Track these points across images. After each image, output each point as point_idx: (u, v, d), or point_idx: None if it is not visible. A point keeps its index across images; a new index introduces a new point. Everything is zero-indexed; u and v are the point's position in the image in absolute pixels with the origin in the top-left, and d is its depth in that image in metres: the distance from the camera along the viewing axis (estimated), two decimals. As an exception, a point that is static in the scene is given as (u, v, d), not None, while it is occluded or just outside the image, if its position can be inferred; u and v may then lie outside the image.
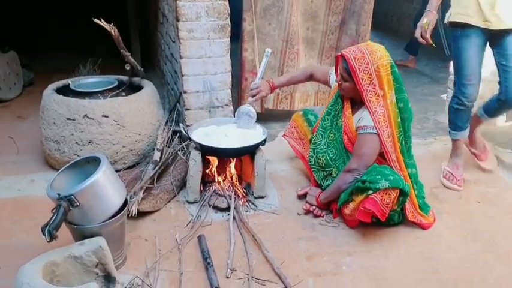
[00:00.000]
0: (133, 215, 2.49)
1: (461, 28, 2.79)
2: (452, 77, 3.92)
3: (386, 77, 2.44)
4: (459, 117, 2.97)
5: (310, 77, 3.00)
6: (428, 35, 2.82)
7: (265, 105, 3.85)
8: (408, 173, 2.54)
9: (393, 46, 6.01)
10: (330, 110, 2.73)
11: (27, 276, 1.82)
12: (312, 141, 2.81)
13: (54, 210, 1.95)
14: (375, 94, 2.44)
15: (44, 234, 1.85)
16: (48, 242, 1.86)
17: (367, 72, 2.43)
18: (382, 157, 2.52)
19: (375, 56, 2.43)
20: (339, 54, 2.54)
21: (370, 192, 2.31)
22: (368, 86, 2.44)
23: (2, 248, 2.42)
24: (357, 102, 2.61)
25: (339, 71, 2.57)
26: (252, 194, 2.87)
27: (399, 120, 2.48)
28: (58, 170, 2.91)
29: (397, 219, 2.55)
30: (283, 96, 3.89)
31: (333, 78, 2.80)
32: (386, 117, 2.44)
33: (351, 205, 2.45)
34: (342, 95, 2.67)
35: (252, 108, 2.96)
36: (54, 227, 1.86)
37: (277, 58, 3.71)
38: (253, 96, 2.94)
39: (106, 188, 2.07)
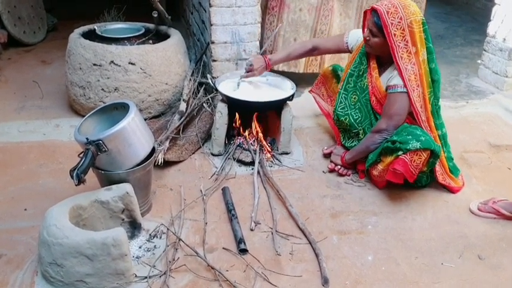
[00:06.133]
0: (159, 163, 2.48)
1: None
2: (489, 39, 3.77)
3: (418, 34, 2.33)
4: None
5: (312, 51, 2.80)
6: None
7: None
8: (438, 135, 2.47)
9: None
10: (353, 72, 2.61)
11: (55, 218, 1.83)
12: (335, 103, 2.71)
13: (81, 155, 1.94)
14: (407, 51, 2.34)
15: (72, 177, 1.84)
16: (76, 185, 1.85)
17: (400, 28, 2.31)
18: (412, 117, 2.44)
19: (408, 10, 2.31)
20: (369, 8, 2.42)
21: (400, 153, 2.25)
22: (400, 42, 2.33)
23: (28, 190, 2.45)
24: (384, 61, 2.50)
25: (367, 26, 2.45)
26: (277, 150, 2.84)
27: (430, 80, 2.38)
28: (83, 115, 2.92)
29: (424, 181, 2.50)
30: (313, 58, 3.58)
31: (352, 42, 2.66)
32: (418, 75, 2.34)
33: (380, 166, 2.40)
34: (366, 55, 2.56)
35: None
36: (82, 171, 1.85)
37: (312, 15, 3.40)
38: (247, 72, 2.78)
39: (135, 135, 2.04)
